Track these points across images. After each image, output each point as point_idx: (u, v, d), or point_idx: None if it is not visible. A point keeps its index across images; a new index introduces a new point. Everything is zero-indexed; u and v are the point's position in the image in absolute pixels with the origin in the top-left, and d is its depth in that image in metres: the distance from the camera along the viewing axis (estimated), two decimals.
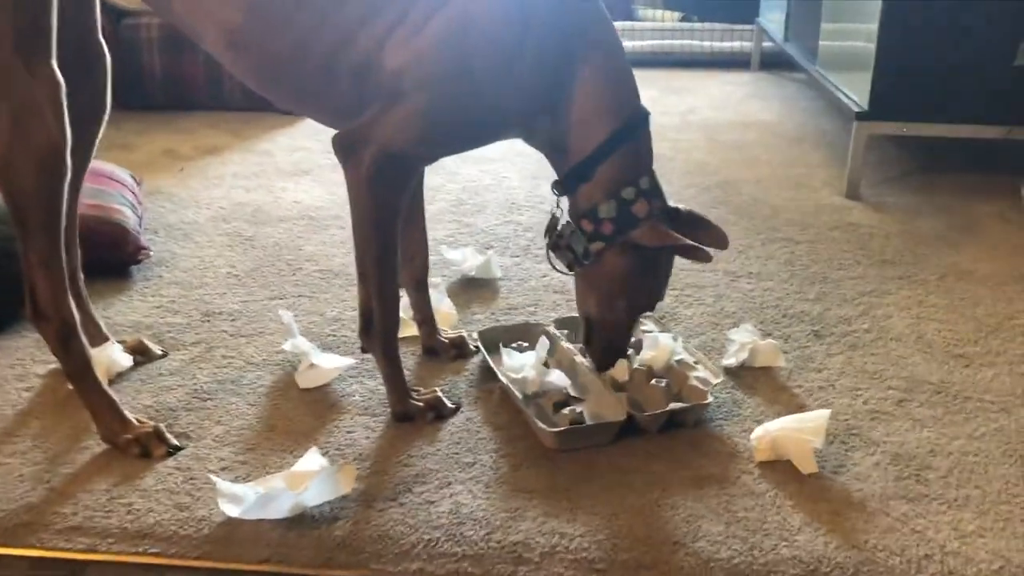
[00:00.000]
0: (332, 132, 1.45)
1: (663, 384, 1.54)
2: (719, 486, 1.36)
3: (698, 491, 1.35)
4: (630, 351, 1.61)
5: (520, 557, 1.22)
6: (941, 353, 1.76)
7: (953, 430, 1.51)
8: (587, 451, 1.44)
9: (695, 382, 1.56)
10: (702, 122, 3.52)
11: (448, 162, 2.81)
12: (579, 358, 1.63)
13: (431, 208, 2.51)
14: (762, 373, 1.67)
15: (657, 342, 1.64)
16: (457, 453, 1.43)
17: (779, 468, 1.40)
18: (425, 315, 1.72)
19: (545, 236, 1.55)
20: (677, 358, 1.64)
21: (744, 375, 1.67)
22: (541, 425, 1.45)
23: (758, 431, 1.44)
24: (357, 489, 1.34)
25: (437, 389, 1.56)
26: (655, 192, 1.46)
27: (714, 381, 1.59)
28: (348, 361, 1.66)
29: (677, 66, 4.65)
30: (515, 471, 1.39)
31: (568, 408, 1.50)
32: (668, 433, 1.49)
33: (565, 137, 1.44)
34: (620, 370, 1.58)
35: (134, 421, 1.45)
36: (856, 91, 2.69)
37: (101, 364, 1.59)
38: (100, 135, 1.58)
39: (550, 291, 2.01)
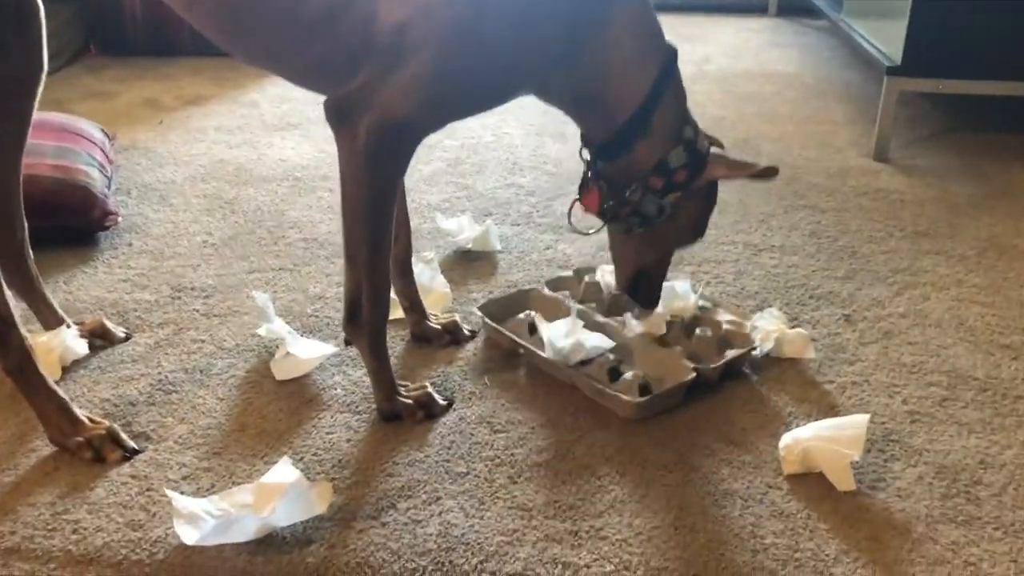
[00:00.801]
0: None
1: (709, 333, 1.49)
2: (744, 504, 1.20)
3: (720, 511, 1.19)
4: None
5: None
6: (986, 343, 1.59)
7: (1005, 436, 1.34)
8: (591, 458, 1.28)
9: (729, 326, 1.52)
10: (718, 72, 3.30)
11: None
12: (600, 318, 1.55)
13: (426, 169, 2.33)
14: (789, 365, 1.51)
15: (675, 291, 1.58)
16: (448, 461, 1.28)
17: (810, 482, 1.24)
18: (412, 301, 1.56)
19: (599, 212, 1.38)
20: (700, 304, 1.60)
21: (769, 368, 1.50)
22: (624, 397, 1.35)
23: (787, 439, 1.28)
24: (334, 504, 1.19)
25: (427, 384, 1.40)
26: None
27: (746, 323, 1.54)
28: (329, 349, 1.49)
29: (689, 10, 4.40)
30: (513, 483, 1.23)
31: (631, 373, 1.39)
32: (682, 438, 1.33)
33: (603, 88, 1.27)
34: (657, 324, 1.51)
35: (86, 421, 1.29)
36: (887, 43, 2.48)
37: (53, 351, 1.44)
38: (39, 96, 1.39)
39: (553, 265, 1.84)
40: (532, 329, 1.50)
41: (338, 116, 1.22)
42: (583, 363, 1.43)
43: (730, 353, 1.46)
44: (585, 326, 1.48)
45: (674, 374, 1.41)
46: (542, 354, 1.45)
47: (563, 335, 1.44)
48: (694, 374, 1.39)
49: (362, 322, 1.33)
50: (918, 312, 1.68)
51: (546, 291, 1.64)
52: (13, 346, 1.23)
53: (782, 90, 3.09)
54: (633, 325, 1.53)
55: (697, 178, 1.33)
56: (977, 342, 1.59)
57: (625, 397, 1.35)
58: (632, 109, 1.27)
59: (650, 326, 1.52)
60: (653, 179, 1.31)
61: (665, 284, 1.53)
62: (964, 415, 1.39)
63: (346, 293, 1.35)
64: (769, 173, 1.32)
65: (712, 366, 1.43)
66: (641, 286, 1.46)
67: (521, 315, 1.55)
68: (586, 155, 1.36)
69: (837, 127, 2.72)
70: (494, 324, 1.55)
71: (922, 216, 2.10)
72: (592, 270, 1.71)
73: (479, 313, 1.58)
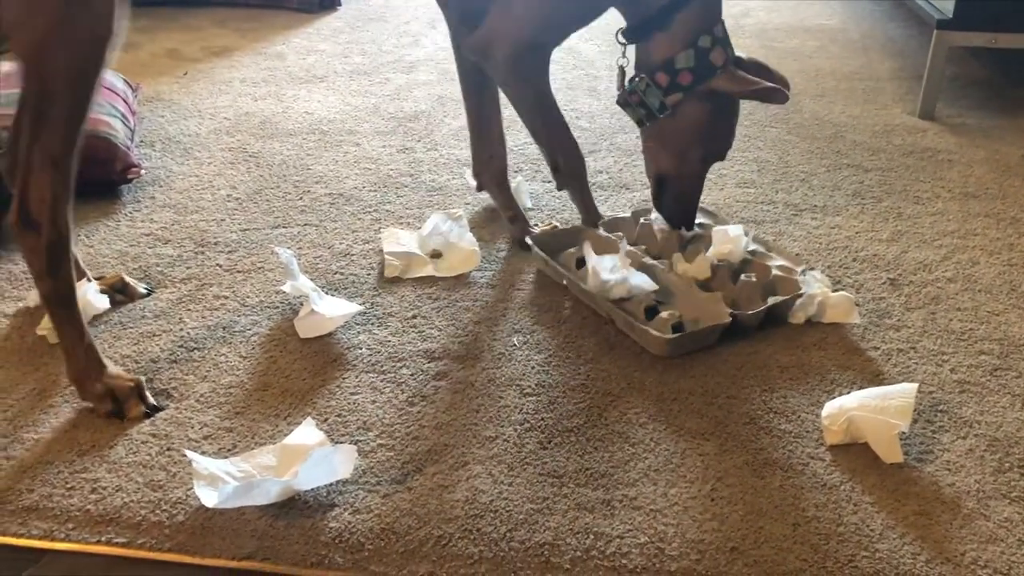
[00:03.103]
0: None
1: (753, 279, 1.47)
2: (784, 475, 1.15)
3: (759, 481, 1.14)
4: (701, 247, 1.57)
5: (547, 562, 1.03)
6: None
7: None
8: (624, 425, 1.23)
9: (779, 272, 1.51)
10: (757, 26, 3.19)
11: None
12: (648, 259, 1.54)
13: (454, 124, 2.26)
14: (832, 330, 1.44)
15: (727, 235, 1.57)
16: (476, 424, 1.23)
17: (854, 452, 1.19)
18: (515, 211, 1.72)
19: (618, 89, 1.55)
20: (751, 248, 1.58)
21: (811, 332, 1.44)
22: (654, 332, 1.35)
23: (831, 407, 1.22)
24: (359, 468, 1.15)
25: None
26: (727, 40, 1.45)
27: (797, 269, 1.52)
28: (355, 308, 1.45)
29: None
30: (543, 449, 1.19)
31: (667, 312, 1.40)
32: (720, 405, 1.28)
33: None
34: (701, 268, 1.51)
35: (113, 369, 1.25)
36: None
37: None
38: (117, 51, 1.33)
39: None
40: (580, 264, 1.52)
41: (480, 54, 1.52)
42: (623, 299, 1.44)
43: (771, 300, 1.44)
44: (631, 266, 1.48)
45: (711, 317, 1.40)
46: (583, 285, 1.46)
47: (609, 268, 1.44)
48: (730, 319, 1.38)
49: (564, 170, 1.61)
50: (967, 276, 1.61)
51: (600, 231, 1.64)
52: (64, 273, 1.20)
53: (825, 45, 2.98)
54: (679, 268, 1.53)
55: (701, 84, 1.43)
56: None
57: (655, 332, 1.34)
58: (659, 3, 1.41)
59: (696, 269, 1.51)
60: (659, 75, 1.44)
61: (717, 228, 1.60)
62: (1017, 385, 1.33)
63: (546, 159, 1.66)
64: (777, 96, 1.38)
65: (750, 312, 1.41)
66: (666, 201, 1.56)
67: (571, 249, 1.56)
68: (622, 39, 1.52)
69: (881, 83, 2.62)
70: (544, 255, 1.57)
71: (971, 176, 2.02)
72: (649, 211, 1.67)
73: (532, 244, 1.60)
